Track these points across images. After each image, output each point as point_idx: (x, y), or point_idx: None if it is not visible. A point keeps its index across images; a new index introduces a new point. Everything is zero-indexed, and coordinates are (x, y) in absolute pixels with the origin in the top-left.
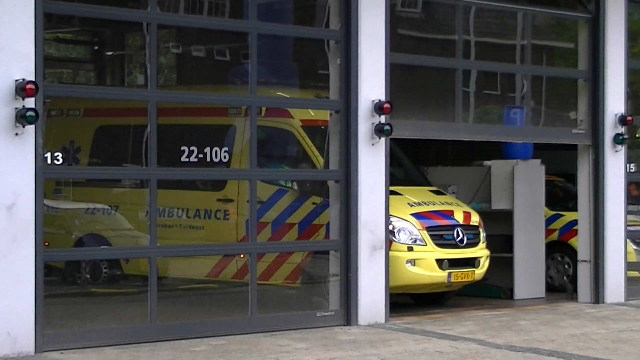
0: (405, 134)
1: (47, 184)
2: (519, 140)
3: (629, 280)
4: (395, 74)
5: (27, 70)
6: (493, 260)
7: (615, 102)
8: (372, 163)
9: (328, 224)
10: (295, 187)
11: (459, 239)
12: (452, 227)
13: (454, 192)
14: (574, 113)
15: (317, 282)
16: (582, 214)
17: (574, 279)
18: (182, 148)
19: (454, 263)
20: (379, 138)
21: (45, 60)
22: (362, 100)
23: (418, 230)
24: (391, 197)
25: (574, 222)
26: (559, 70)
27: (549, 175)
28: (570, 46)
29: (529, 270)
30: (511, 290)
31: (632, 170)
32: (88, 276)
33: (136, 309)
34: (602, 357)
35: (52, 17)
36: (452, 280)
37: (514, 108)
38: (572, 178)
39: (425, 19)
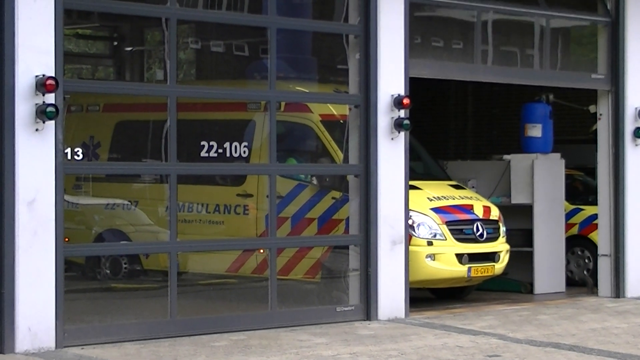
0: (424, 73)
1: (67, 179)
2: (537, 83)
3: None
4: (414, 13)
5: (47, 66)
6: (513, 255)
7: (634, 95)
8: (391, 157)
9: (347, 219)
10: (315, 181)
11: (478, 233)
12: (472, 221)
13: (473, 187)
14: (594, 107)
15: (336, 277)
16: (602, 208)
17: (594, 273)
18: (202, 143)
19: (474, 257)
20: (399, 132)
21: (65, 56)
22: (381, 95)
23: (438, 224)
24: (411, 191)
25: (594, 216)
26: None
27: (568, 169)
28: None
29: (549, 264)
30: (531, 284)
31: None
32: (108, 271)
33: (156, 304)
34: (623, 351)
35: (71, 13)
36: (472, 274)
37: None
38: (592, 172)
39: None
